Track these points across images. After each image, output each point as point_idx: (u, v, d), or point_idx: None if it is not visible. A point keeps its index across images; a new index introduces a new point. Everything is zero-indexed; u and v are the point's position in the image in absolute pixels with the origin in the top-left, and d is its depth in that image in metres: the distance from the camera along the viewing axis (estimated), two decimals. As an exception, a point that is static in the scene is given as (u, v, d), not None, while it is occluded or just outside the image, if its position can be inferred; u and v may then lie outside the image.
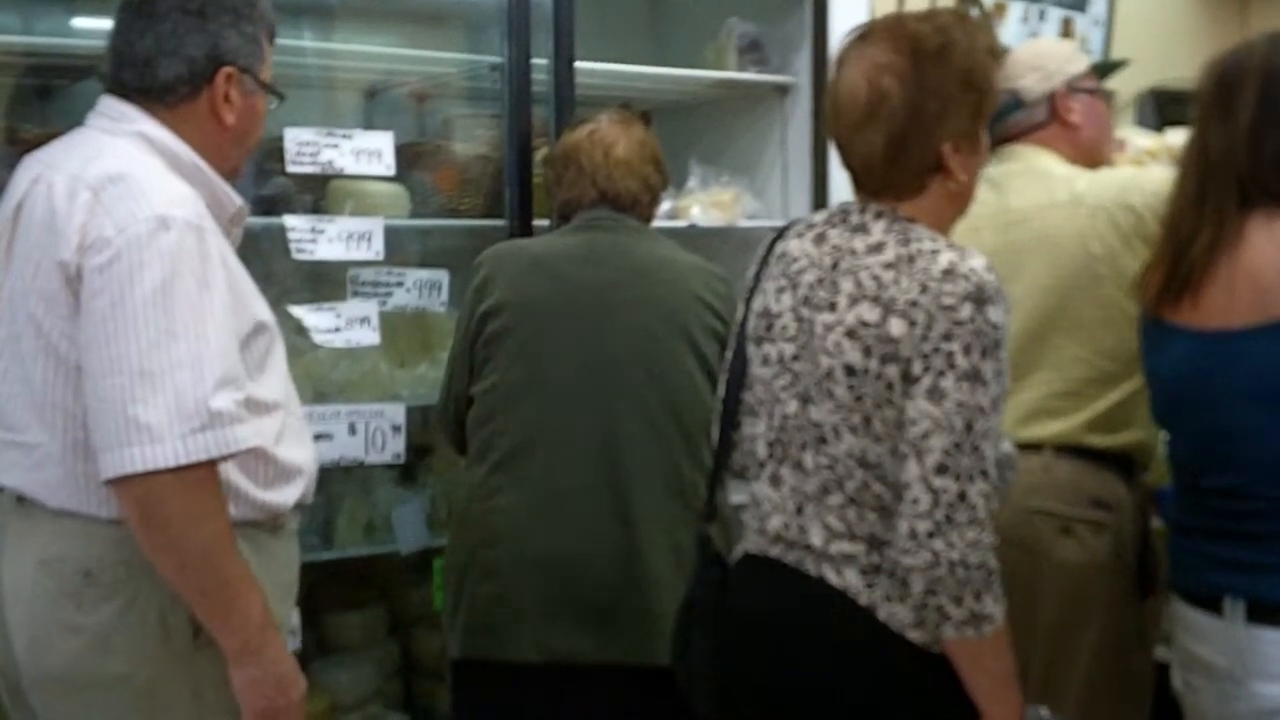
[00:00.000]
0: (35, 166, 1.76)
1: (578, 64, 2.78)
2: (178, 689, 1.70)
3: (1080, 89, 2.38)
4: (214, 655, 1.69)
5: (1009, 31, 4.13)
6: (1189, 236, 1.78)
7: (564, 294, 2.24)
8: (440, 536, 2.82)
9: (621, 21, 3.43)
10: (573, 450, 2.19)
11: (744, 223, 3.12)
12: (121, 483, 1.58)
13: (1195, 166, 1.81)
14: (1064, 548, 2.17)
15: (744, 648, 1.72)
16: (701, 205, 3.07)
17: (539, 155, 2.79)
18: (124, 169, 1.67)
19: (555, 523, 2.17)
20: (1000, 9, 4.12)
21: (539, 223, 2.76)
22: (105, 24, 2.52)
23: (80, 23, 2.69)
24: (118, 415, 1.57)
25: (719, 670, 1.76)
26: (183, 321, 1.60)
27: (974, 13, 4.00)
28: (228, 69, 1.78)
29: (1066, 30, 4.32)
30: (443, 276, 2.70)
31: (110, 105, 1.79)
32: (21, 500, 1.73)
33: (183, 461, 1.57)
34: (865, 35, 1.68)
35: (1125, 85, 4.36)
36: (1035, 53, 2.43)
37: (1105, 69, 2.70)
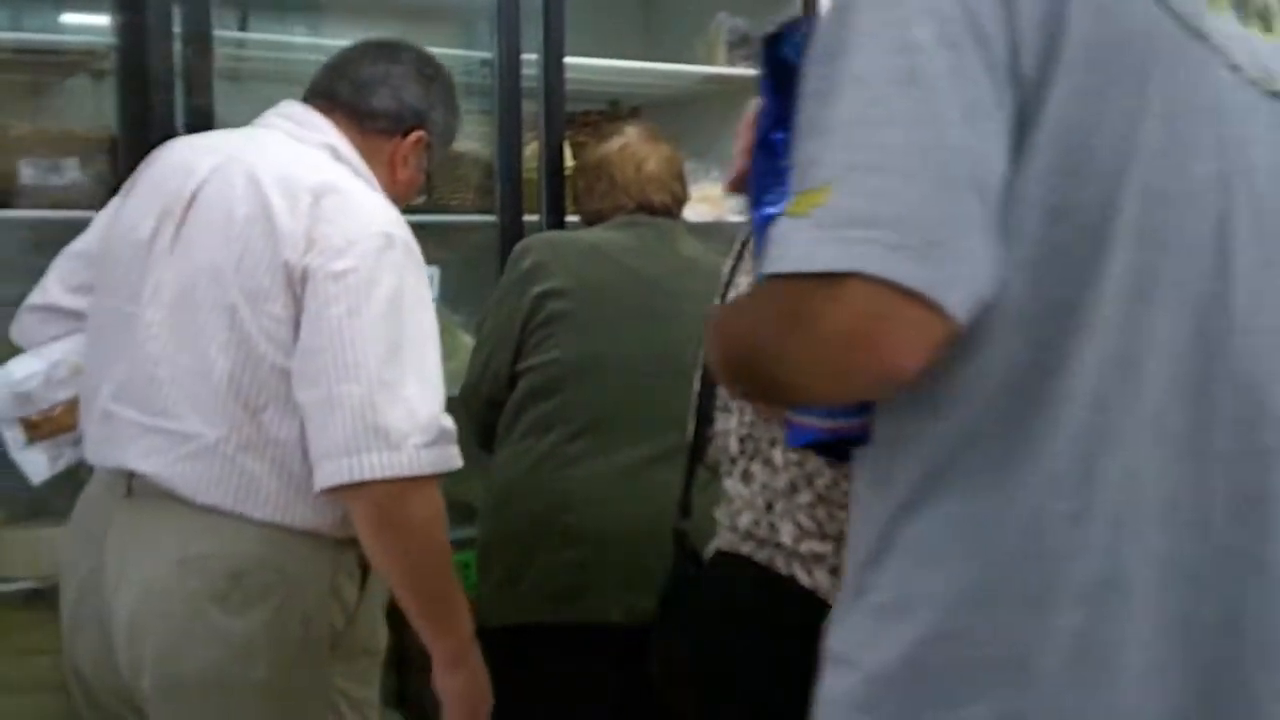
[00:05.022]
0: (210, 156, 1.74)
1: (568, 59, 2.78)
2: (315, 699, 1.69)
3: None
4: (346, 670, 1.71)
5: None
6: None
7: (624, 280, 2.34)
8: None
9: (611, 17, 3.43)
10: (643, 424, 2.28)
11: (733, 217, 3.12)
12: (359, 487, 1.58)
13: None
14: None
15: (715, 645, 1.73)
16: (691, 200, 3.07)
17: (528, 150, 2.79)
18: (335, 181, 1.71)
19: (635, 491, 2.24)
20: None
21: (529, 218, 2.76)
22: (95, 20, 2.54)
23: (70, 19, 2.69)
24: (356, 421, 1.58)
25: (693, 668, 1.77)
26: (409, 338, 1.64)
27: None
28: (422, 133, 1.89)
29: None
30: (432, 272, 2.70)
31: (298, 110, 1.84)
32: (142, 486, 1.67)
33: (417, 472, 1.59)
34: None
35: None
36: None
37: None
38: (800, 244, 0.92)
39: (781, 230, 0.94)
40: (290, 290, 1.63)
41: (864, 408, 1.06)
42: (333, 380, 1.59)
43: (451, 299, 2.82)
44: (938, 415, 0.99)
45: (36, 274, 1.93)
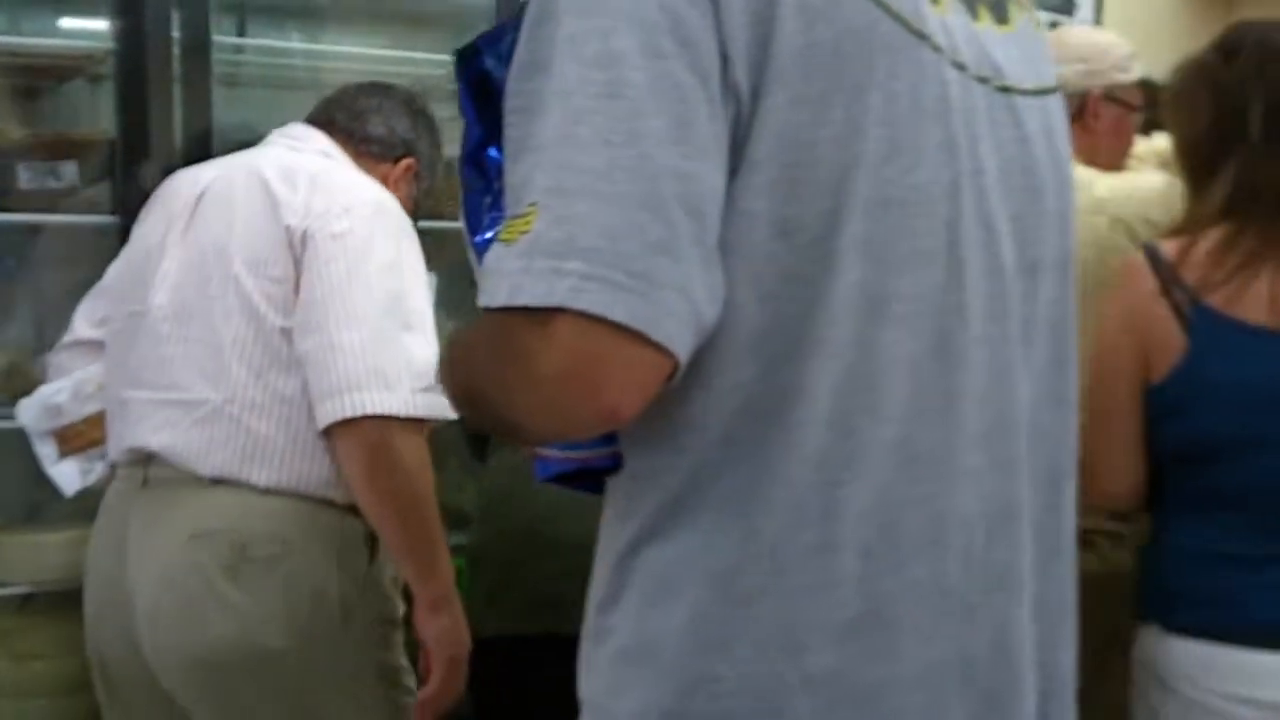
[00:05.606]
0: (213, 169, 1.88)
1: (566, 65, 2.78)
2: (329, 668, 1.72)
3: (1117, 99, 2.28)
4: (360, 640, 1.74)
5: (996, 34, 4.14)
6: None
7: None
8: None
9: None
10: None
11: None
12: (353, 424, 1.64)
13: None
14: (1083, 560, 2.15)
15: None
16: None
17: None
18: (330, 167, 1.85)
19: None
20: (987, 11, 4.13)
21: (527, 224, 2.76)
22: (93, 25, 2.54)
23: (67, 23, 2.69)
24: (357, 362, 1.65)
25: None
26: (407, 295, 1.73)
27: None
28: (412, 160, 2.02)
29: (1053, 33, 4.33)
30: (431, 278, 2.69)
31: (297, 129, 1.95)
32: (157, 475, 1.72)
33: (411, 413, 1.65)
34: None
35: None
36: (1089, 43, 2.32)
37: (1151, 89, 2.61)
38: (508, 275, 0.83)
39: (493, 258, 0.86)
40: (290, 253, 1.71)
41: (610, 436, 0.98)
42: (333, 328, 1.66)
43: (449, 306, 2.82)
44: (676, 444, 0.91)
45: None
